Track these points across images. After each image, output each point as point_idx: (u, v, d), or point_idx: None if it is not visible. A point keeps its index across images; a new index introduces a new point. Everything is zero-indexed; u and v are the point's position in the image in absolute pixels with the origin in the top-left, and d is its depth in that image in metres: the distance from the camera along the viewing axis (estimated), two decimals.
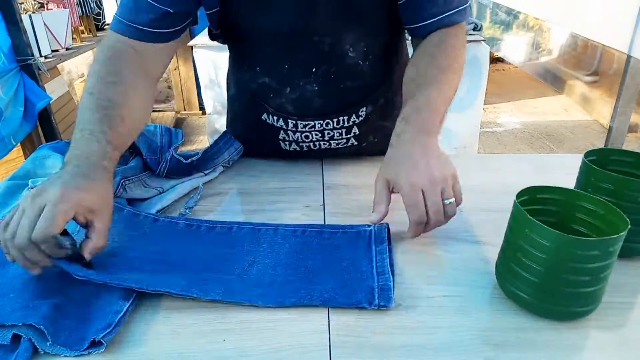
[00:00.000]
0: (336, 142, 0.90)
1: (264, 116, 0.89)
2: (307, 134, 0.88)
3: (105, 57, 0.70)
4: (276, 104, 0.86)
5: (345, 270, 0.60)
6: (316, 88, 0.83)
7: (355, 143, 0.91)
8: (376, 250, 0.63)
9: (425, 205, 0.62)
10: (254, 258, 0.63)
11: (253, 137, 0.91)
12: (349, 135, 0.90)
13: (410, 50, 0.88)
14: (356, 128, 0.89)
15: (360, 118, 0.88)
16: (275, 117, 0.88)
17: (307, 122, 0.87)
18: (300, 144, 0.90)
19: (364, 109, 0.87)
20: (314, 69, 0.81)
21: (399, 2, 0.77)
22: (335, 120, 0.87)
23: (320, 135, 0.88)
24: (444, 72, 0.74)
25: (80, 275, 0.54)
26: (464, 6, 0.77)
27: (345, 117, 0.87)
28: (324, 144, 0.90)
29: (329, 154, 0.92)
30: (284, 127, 0.88)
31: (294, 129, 0.88)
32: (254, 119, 0.89)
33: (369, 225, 0.67)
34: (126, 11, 0.72)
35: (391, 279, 0.58)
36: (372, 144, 0.93)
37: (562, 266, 0.49)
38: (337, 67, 0.81)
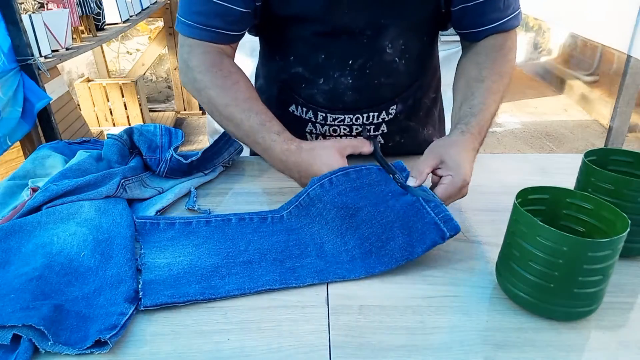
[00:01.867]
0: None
1: (292, 108, 0.89)
2: (336, 127, 0.88)
3: (208, 66, 0.78)
4: (307, 95, 0.86)
5: (402, 215, 0.62)
6: (350, 81, 0.83)
7: (382, 142, 0.92)
8: (424, 198, 0.64)
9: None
10: (321, 239, 0.65)
11: None
12: (377, 133, 0.90)
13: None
14: (385, 126, 0.89)
15: (390, 116, 0.88)
16: (304, 109, 0.88)
17: (336, 116, 0.87)
18: (327, 138, 0.90)
19: (394, 107, 0.88)
20: (350, 62, 0.82)
21: (453, 8, 0.79)
22: (365, 115, 0.87)
23: (348, 130, 0.88)
24: (503, 77, 0.78)
25: (182, 302, 0.55)
26: (519, 10, 0.81)
27: (376, 114, 0.87)
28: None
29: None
30: (313, 119, 0.88)
31: (322, 122, 0.88)
32: (281, 110, 0.89)
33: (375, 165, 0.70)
34: (202, 17, 0.77)
35: (447, 209, 0.61)
36: (398, 144, 0.93)
37: (569, 267, 0.48)
38: (374, 62, 0.82)
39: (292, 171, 0.73)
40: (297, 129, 0.88)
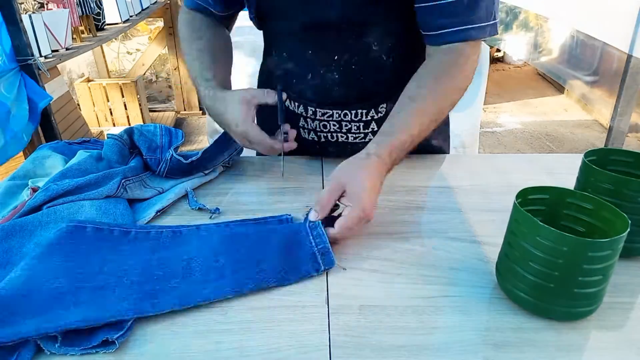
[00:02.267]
0: (353, 135, 0.91)
1: (287, 102, 0.91)
2: (325, 123, 0.89)
3: (186, 23, 0.90)
4: (297, 90, 0.88)
5: (284, 240, 0.64)
6: (337, 77, 0.84)
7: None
8: (310, 225, 0.64)
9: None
10: (189, 256, 0.61)
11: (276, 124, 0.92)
12: (366, 130, 0.90)
13: None
14: (374, 124, 0.90)
15: (380, 114, 0.89)
16: (296, 104, 0.90)
17: (325, 111, 0.88)
18: (318, 133, 0.92)
19: (384, 105, 0.88)
20: (335, 57, 0.83)
21: (415, 5, 0.74)
22: (353, 112, 0.88)
23: (337, 126, 0.89)
24: (438, 100, 0.73)
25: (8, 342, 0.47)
26: (488, 23, 0.72)
27: (364, 111, 0.88)
28: (342, 136, 0.91)
29: (347, 151, 0.86)
30: (304, 114, 0.90)
31: (312, 117, 0.89)
32: None
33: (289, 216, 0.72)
34: None
35: (328, 241, 0.62)
36: None
37: (569, 267, 0.48)
38: (359, 58, 0.82)
39: (216, 116, 0.80)
40: (292, 123, 0.90)
